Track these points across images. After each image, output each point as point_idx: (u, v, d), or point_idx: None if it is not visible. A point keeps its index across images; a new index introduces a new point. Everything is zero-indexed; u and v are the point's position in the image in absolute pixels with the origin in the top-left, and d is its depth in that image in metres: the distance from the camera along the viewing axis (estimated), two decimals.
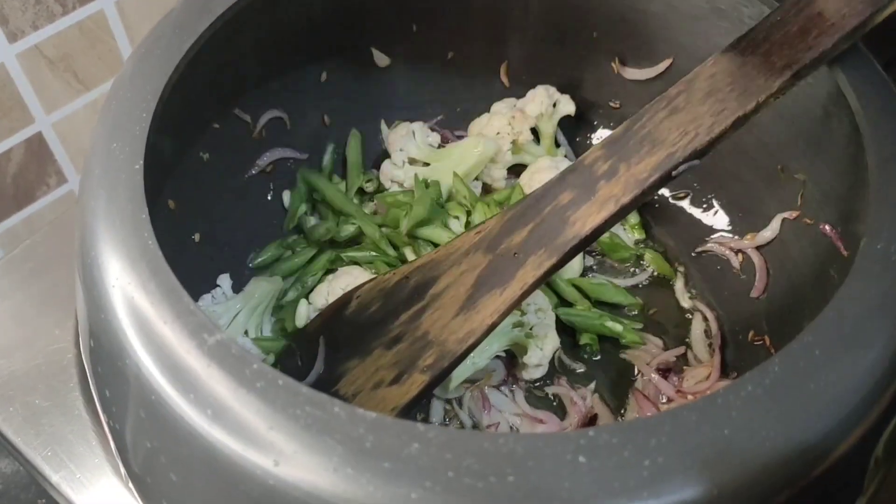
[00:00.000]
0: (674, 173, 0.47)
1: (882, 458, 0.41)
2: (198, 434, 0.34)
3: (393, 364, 0.51)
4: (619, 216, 0.48)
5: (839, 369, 0.36)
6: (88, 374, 0.43)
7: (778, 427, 0.35)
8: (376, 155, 0.71)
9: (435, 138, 0.69)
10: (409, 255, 0.64)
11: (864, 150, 0.45)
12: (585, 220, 0.48)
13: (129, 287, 0.38)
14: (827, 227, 0.53)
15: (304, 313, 0.60)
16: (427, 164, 0.68)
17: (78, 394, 0.60)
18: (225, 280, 0.61)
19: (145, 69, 0.48)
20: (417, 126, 0.69)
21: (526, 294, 0.49)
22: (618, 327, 0.61)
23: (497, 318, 0.49)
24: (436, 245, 0.63)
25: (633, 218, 0.68)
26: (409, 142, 0.67)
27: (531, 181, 0.66)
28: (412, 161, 0.68)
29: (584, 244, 0.48)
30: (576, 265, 0.65)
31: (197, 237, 0.60)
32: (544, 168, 0.66)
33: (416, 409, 0.57)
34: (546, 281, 0.50)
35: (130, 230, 0.40)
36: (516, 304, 0.49)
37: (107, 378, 0.40)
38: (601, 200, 0.48)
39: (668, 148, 0.47)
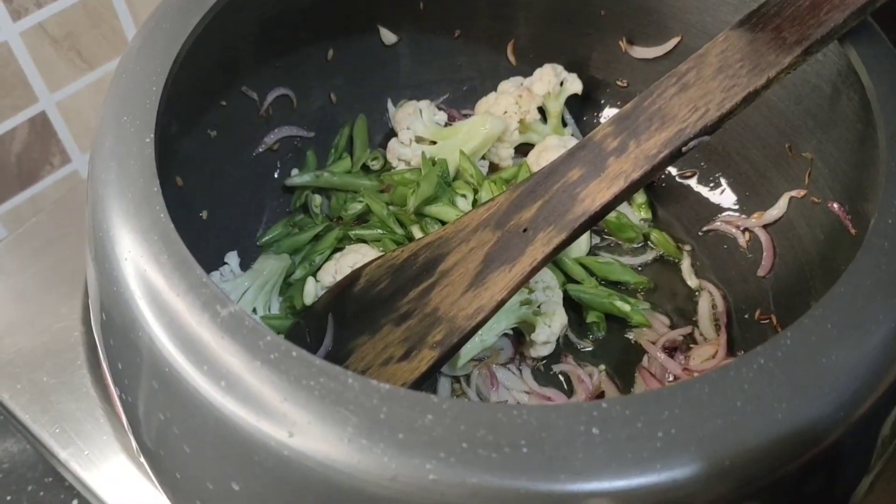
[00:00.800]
0: (684, 149, 0.47)
1: (889, 438, 0.41)
2: (211, 405, 0.34)
3: (402, 340, 0.51)
4: (628, 192, 0.48)
5: (851, 343, 0.37)
6: (100, 348, 0.43)
7: (789, 400, 0.35)
8: (383, 133, 0.71)
9: (442, 117, 0.69)
10: (417, 232, 0.64)
11: (873, 127, 0.45)
12: (595, 196, 0.48)
13: (141, 260, 0.38)
14: (835, 206, 0.53)
15: (311, 291, 0.60)
16: (434, 143, 0.68)
17: (85, 371, 0.60)
18: (233, 257, 0.61)
19: (154, 44, 0.48)
20: (424, 104, 0.68)
21: (535, 270, 0.49)
22: (626, 307, 0.61)
23: (506, 294, 0.49)
24: (443, 223, 0.63)
25: (640, 197, 0.68)
26: (415, 120, 0.67)
27: (538, 160, 0.66)
28: (419, 139, 0.68)
29: (594, 221, 0.48)
30: (583, 244, 0.65)
31: (205, 214, 0.60)
32: (551, 147, 0.66)
33: (424, 385, 0.57)
34: (555, 258, 0.50)
35: (142, 203, 0.40)
36: (525, 281, 0.49)
37: (119, 351, 0.40)
38: (611, 177, 0.48)
39: (678, 124, 0.47)
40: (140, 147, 0.42)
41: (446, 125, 0.69)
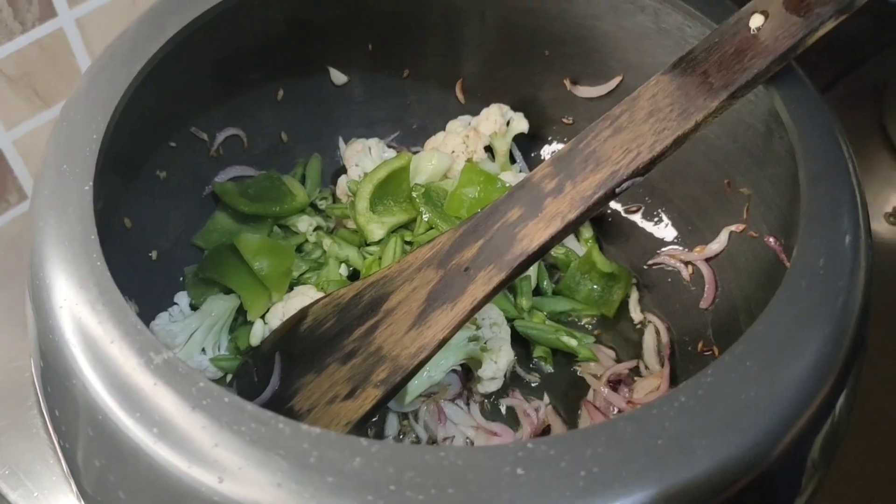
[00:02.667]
0: (617, 190, 0.48)
1: (818, 461, 0.42)
2: (143, 452, 0.35)
3: (347, 379, 0.52)
4: (565, 232, 0.49)
5: (770, 379, 0.38)
6: (39, 394, 0.43)
7: (710, 436, 0.36)
8: (333, 170, 0.72)
9: (391, 153, 0.70)
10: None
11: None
12: (533, 236, 0.49)
13: (76, 307, 0.39)
14: (771, 240, 0.54)
15: (259, 333, 0.60)
16: None
17: (36, 412, 0.59)
18: (182, 298, 0.61)
19: (97, 90, 0.48)
20: (373, 142, 0.69)
21: (476, 309, 0.50)
22: (573, 342, 0.62)
23: (448, 333, 0.50)
24: None
25: (587, 232, 0.69)
26: (364, 157, 0.68)
27: None
28: None
29: (532, 260, 0.50)
30: (532, 278, 0.66)
31: (154, 255, 0.60)
32: None
33: (370, 422, 0.57)
34: (496, 296, 0.51)
35: (79, 250, 0.40)
36: (466, 319, 0.50)
37: (56, 398, 0.40)
38: (548, 217, 0.49)
39: (611, 166, 0.48)
40: (79, 195, 0.42)
41: None
